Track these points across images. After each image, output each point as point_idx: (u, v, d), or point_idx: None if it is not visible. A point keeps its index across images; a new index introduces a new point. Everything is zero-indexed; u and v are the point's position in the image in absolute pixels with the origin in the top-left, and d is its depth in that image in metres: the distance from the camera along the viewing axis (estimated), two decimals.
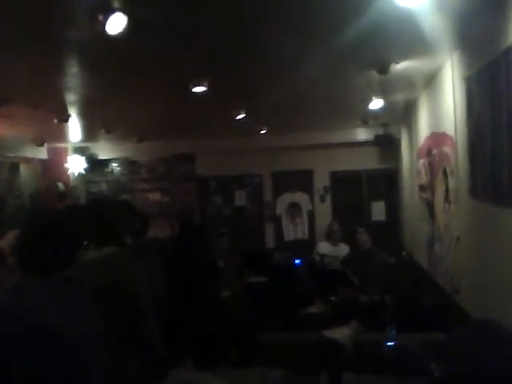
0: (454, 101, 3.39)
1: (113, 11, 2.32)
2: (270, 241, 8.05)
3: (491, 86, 2.55)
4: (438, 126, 4.00)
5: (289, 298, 4.06)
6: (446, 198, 3.79)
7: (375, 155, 7.50)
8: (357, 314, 3.60)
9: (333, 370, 2.62)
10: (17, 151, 7.00)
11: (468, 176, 3.09)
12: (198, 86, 3.82)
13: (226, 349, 1.86)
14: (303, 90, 4.35)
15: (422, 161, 4.92)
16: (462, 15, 2.62)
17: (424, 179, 4.80)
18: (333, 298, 4.32)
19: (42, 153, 7.56)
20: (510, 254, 2.37)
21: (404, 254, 6.19)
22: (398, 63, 3.52)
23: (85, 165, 7.93)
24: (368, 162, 7.55)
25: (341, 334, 3.08)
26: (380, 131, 7.07)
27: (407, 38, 2.96)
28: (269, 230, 8.08)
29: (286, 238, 8.02)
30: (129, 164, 8.28)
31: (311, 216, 7.96)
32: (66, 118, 4.91)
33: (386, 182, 7.64)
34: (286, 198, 8.00)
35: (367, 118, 6.07)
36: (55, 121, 4.93)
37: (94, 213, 2.36)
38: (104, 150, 8.03)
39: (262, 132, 6.68)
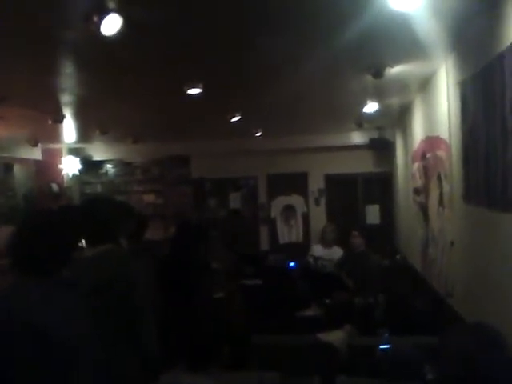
0: (449, 105, 3.40)
1: (108, 12, 2.32)
2: (264, 243, 8.05)
3: (485, 90, 2.57)
4: (433, 129, 4.02)
5: (283, 300, 4.06)
6: (440, 202, 3.80)
7: (370, 158, 7.52)
8: (351, 317, 3.60)
9: (326, 373, 2.62)
10: (11, 151, 6.97)
11: (462, 180, 3.11)
12: (193, 87, 3.83)
13: (219, 350, 1.86)
14: (299, 93, 4.36)
15: (416, 164, 4.94)
16: (456, 20, 2.64)
17: (418, 183, 4.82)
18: (327, 301, 4.33)
19: (36, 153, 7.53)
20: (504, 259, 2.38)
21: (398, 257, 6.20)
22: (392, 67, 3.54)
23: (79, 166, 7.91)
24: (363, 165, 7.57)
25: (335, 337, 3.08)
26: (375, 135, 7.10)
27: (402, 42, 2.98)
28: (263, 232, 8.08)
29: (281, 241, 8.02)
30: (123, 165, 8.26)
31: (306, 219, 7.97)
32: (60, 118, 4.90)
33: (381, 186, 7.66)
34: (281, 201, 8.01)
35: (362, 122, 6.09)
36: (50, 121, 4.92)
37: (90, 213, 2.35)
38: (99, 152, 8.01)
39: (258, 134, 6.69)
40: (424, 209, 4.52)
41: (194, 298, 3.07)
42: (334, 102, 5.00)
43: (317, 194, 7.91)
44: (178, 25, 2.64)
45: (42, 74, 3.45)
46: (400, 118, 6.01)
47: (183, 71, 3.60)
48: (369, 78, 3.64)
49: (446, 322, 3.29)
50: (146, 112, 5.13)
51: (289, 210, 8.00)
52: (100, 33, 2.40)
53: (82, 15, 2.36)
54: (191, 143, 7.48)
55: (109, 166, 8.28)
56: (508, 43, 2.22)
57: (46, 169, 7.76)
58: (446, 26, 2.75)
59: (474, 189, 2.85)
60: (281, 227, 8.04)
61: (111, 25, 2.38)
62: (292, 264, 5.78)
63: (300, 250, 7.09)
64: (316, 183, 7.89)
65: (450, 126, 3.40)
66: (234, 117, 5.12)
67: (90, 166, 8.06)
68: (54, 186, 7.77)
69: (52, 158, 7.79)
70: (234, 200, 8.15)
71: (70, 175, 7.95)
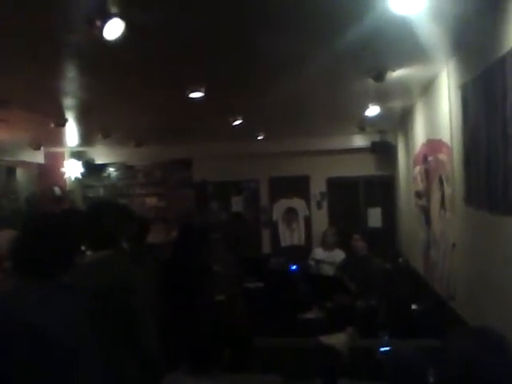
0: (450, 108, 3.41)
1: (110, 17, 2.33)
2: (266, 246, 8.05)
3: (487, 93, 2.57)
4: (434, 133, 4.02)
5: (285, 303, 4.06)
6: (442, 205, 3.80)
7: (372, 162, 7.52)
8: (353, 320, 3.60)
9: (328, 376, 2.61)
10: (14, 155, 7.00)
11: (463, 183, 3.11)
12: (195, 91, 3.84)
13: (220, 353, 1.86)
14: (301, 96, 4.37)
15: (418, 168, 4.94)
16: (457, 23, 2.64)
17: (420, 186, 4.82)
18: (329, 304, 4.32)
19: (38, 157, 7.56)
20: (505, 261, 2.38)
21: (400, 260, 6.19)
22: (394, 70, 3.54)
23: (81, 169, 7.93)
24: (365, 168, 7.57)
25: (337, 340, 3.08)
26: (377, 138, 7.10)
27: (404, 45, 2.99)
28: (265, 235, 8.08)
29: (283, 244, 8.01)
30: (126, 169, 8.28)
31: (308, 222, 7.97)
32: (63, 122, 4.92)
33: (383, 189, 7.66)
34: (283, 204, 8.01)
35: (364, 125, 6.09)
36: (52, 125, 4.94)
37: (92, 217, 2.36)
38: (101, 155, 8.03)
39: (259, 138, 6.70)
40: (426, 212, 4.52)
41: (196, 301, 3.08)
42: (336, 105, 5.01)
43: (319, 197, 7.91)
44: (180, 28, 2.66)
45: (44, 78, 3.47)
46: (402, 121, 6.02)
47: (185, 74, 3.61)
48: (370, 81, 3.65)
49: (449, 325, 3.28)
50: (148, 115, 5.15)
51: (291, 213, 8.00)
52: (103, 37, 2.41)
53: (85, 19, 2.37)
54: (193, 146, 7.50)
55: (111, 169, 8.30)
56: (509, 47, 2.23)
57: (48, 172, 7.79)
58: (448, 29, 2.75)
59: (476, 192, 2.85)
60: (283, 230, 8.04)
61: (114, 29, 2.39)
62: (294, 267, 5.78)
63: (302, 253, 7.08)
64: (318, 186, 7.89)
65: (451, 129, 3.41)
66: (236, 120, 5.13)
67: (93, 170, 8.08)
68: (57, 190, 7.79)
69: (54, 162, 7.82)
70: (236, 203, 8.16)
71: (73, 178, 7.97)
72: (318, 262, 6.08)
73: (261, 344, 2.74)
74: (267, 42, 2.88)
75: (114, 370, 1.93)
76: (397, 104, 5.04)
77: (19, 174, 7.35)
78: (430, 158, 4.28)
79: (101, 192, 8.27)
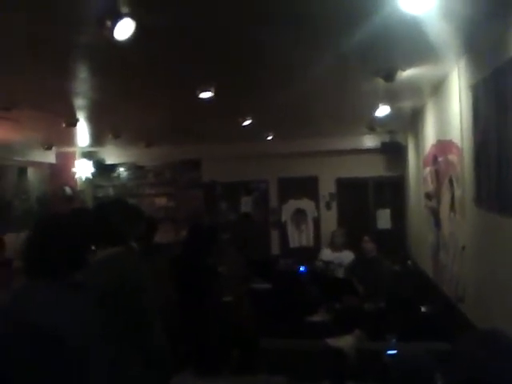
0: (461, 108, 3.38)
1: (121, 17, 2.34)
2: (275, 247, 8.04)
3: (497, 93, 2.54)
4: (445, 133, 3.99)
5: (293, 305, 4.05)
6: (452, 207, 3.77)
7: (381, 162, 7.48)
8: (360, 322, 3.58)
9: (335, 379, 2.60)
10: (25, 155, 7.07)
11: (473, 184, 3.08)
12: (205, 91, 3.84)
13: (228, 354, 1.86)
14: (310, 96, 4.36)
15: (428, 169, 4.90)
16: (468, 22, 2.62)
17: (430, 187, 4.78)
18: (337, 306, 4.30)
19: (49, 157, 7.63)
20: None
21: (409, 262, 6.15)
22: (404, 70, 3.52)
23: (92, 169, 7.99)
24: (374, 169, 7.53)
25: (344, 342, 3.06)
26: (386, 138, 7.06)
27: (413, 45, 2.96)
28: (274, 236, 8.07)
29: (291, 245, 8.00)
30: (136, 169, 8.33)
31: (316, 223, 7.95)
32: (74, 122, 4.96)
33: (392, 190, 7.61)
34: (292, 205, 7.99)
35: (374, 125, 6.06)
36: (63, 125, 4.97)
37: (101, 216, 2.37)
38: (111, 155, 8.09)
39: (269, 138, 6.70)
40: (435, 213, 4.48)
41: (204, 302, 3.08)
42: (346, 106, 4.99)
43: (328, 198, 7.88)
44: (190, 29, 2.66)
45: (56, 78, 3.49)
46: (412, 121, 5.98)
47: (195, 75, 3.62)
48: (380, 81, 3.63)
49: (457, 328, 3.25)
50: (159, 116, 5.17)
51: (299, 214, 7.98)
52: (113, 37, 2.42)
53: (96, 20, 2.39)
54: (203, 147, 7.52)
55: (121, 169, 8.36)
56: None
57: (59, 172, 7.86)
58: (458, 28, 2.73)
59: (486, 193, 2.82)
60: (291, 231, 8.03)
61: (124, 29, 2.40)
62: (302, 268, 5.76)
63: (310, 254, 7.05)
64: (327, 187, 7.86)
65: (461, 130, 3.37)
66: (246, 120, 5.13)
67: (103, 170, 8.14)
68: (67, 189, 7.85)
69: (65, 162, 7.89)
70: (246, 204, 8.16)
71: (83, 178, 8.03)
72: (327, 263, 6.06)
73: (268, 345, 2.74)
74: (276, 43, 2.88)
75: (122, 368, 1.94)
76: (407, 104, 5.00)
77: (30, 173, 7.42)
78: (440, 159, 4.24)
79: (111, 192, 8.32)
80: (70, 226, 1.86)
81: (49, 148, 6.76)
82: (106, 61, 3.15)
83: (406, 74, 3.59)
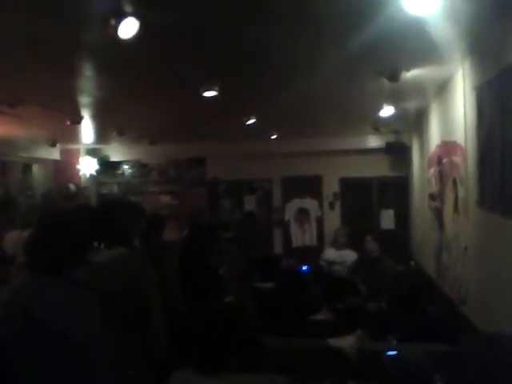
0: (465, 109, 3.36)
1: (125, 16, 2.35)
2: (278, 247, 8.04)
3: (502, 95, 2.53)
4: (449, 134, 3.98)
5: (296, 304, 4.05)
6: (455, 208, 3.76)
7: (386, 163, 7.47)
8: (363, 322, 3.58)
9: (336, 379, 2.60)
10: (30, 152, 7.10)
11: (477, 186, 3.07)
12: (209, 90, 3.85)
13: (229, 353, 1.86)
14: (314, 95, 4.35)
15: (432, 169, 4.89)
16: (473, 23, 2.61)
17: (434, 188, 4.77)
18: (340, 306, 4.30)
19: (54, 154, 7.66)
20: None
21: (412, 262, 6.14)
22: (408, 71, 3.51)
23: (96, 166, 8.01)
24: (378, 169, 7.52)
25: (346, 342, 3.06)
26: (391, 139, 7.05)
27: (418, 45, 2.96)
28: (277, 235, 8.07)
29: (294, 244, 8.00)
30: (140, 166, 8.35)
31: (320, 222, 7.94)
32: (79, 119, 4.98)
33: (396, 190, 7.59)
34: (295, 204, 7.99)
35: (378, 125, 6.05)
36: (68, 122, 5.00)
37: (105, 213, 2.38)
38: (116, 152, 8.11)
39: (273, 137, 6.70)
40: (439, 214, 4.47)
41: (205, 300, 3.08)
42: (350, 106, 4.98)
43: (331, 197, 7.87)
44: (194, 28, 2.67)
45: (61, 76, 3.51)
46: (416, 122, 5.96)
47: (200, 74, 3.63)
48: (385, 81, 3.62)
49: (460, 330, 3.24)
50: (163, 114, 5.19)
51: (303, 213, 7.98)
52: (117, 36, 2.43)
53: (100, 19, 2.40)
54: (207, 145, 7.53)
55: (125, 166, 8.38)
56: None
57: (63, 169, 7.90)
58: (463, 29, 2.72)
59: (489, 195, 2.81)
60: (294, 231, 8.02)
61: (128, 28, 2.41)
62: (305, 268, 5.76)
63: (313, 254, 7.06)
64: (331, 187, 7.85)
65: (466, 131, 3.36)
66: (250, 119, 5.14)
67: (107, 167, 8.17)
68: (72, 186, 7.89)
69: (70, 159, 7.92)
70: (249, 202, 8.16)
71: (87, 175, 8.07)
72: (329, 263, 6.06)
73: (270, 344, 2.73)
74: (281, 42, 2.88)
75: (123, 367, 1.95)
76: (411, 105, 4.99)
77: (35, 170, 7.46)
78: (444, 160, 4.23)
79: (115, 189, 8.35)
80: (73, 222, 1.87)
81: (53, 145, 6.79)
82: (111, 59, 3.16)
83: (411, 74, 3.58)
